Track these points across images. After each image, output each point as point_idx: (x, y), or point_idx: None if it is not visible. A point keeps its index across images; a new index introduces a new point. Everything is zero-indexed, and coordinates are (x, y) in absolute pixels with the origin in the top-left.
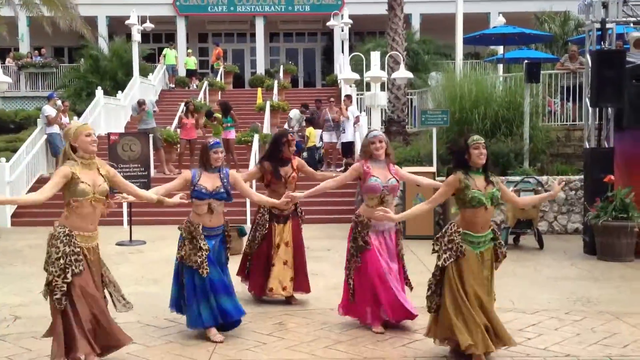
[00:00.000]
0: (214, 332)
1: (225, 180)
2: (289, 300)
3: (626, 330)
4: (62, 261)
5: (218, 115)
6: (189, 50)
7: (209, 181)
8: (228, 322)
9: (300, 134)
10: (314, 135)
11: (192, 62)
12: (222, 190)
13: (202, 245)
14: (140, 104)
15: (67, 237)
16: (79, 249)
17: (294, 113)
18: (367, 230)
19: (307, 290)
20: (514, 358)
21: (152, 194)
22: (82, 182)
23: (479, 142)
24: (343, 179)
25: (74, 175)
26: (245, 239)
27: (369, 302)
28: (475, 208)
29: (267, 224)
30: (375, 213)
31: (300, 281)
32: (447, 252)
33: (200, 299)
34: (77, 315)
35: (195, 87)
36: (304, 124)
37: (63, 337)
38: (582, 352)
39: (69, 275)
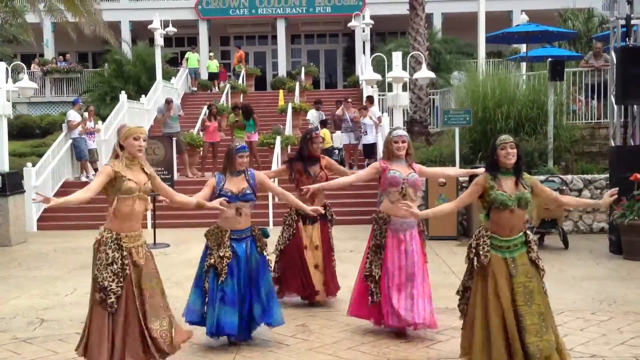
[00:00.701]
0: None
1: (251, 181)
2: (314, 301)
3: None
4: (115, 266)
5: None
6: (211, 54)
7: (234, 184)
8: (222, 333)
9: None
10: (329, 137)
11: (214, 66)
12: (248, 191)
13: (225, 253)
14: (168, 102)
15: (115, 242)
16: (126, 253)
17: (311, 114)
18: (386, 227)
19: (335, 294)
20: None
21: (191, 198)
22: (129, 179)
23: (506, 141)
24: (362, 176)
25: (117, 173)
26: (267, 241)
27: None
28: (500, 210)
29: (295, 224)
30: (399, 205)
31: (332, 286)
32: (474, 258)
33: (210, 305)
34: (116, 322)
35: (217, 89)
36: (322, 118)
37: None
38: (609, 352)
39: (122, 280)
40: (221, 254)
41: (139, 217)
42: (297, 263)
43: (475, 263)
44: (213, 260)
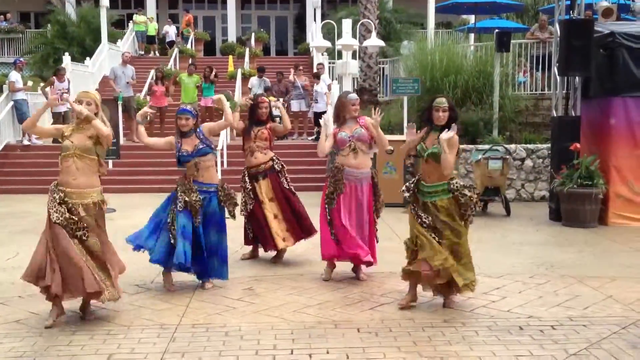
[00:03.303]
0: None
1: (201, 136)
2: (275, 258)
3: (588, 292)
4: (52, 208)
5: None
6: (150, 17)
7: (188, 144)
8: (181, 267)
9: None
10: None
11: (153, 28)
12: (201, 146)
13: (196, 197)
14: (125, 54)
15: (54, 187)
16: (59, 198)
17: (251, 82)
18: (341, 175)
19: (304, 237)
20: (478, 320)
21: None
22: (68, 139)
23: (439, 105)
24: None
25: (63, 133)
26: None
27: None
28: (419, 158)
29: (248, 184)
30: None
31: (299, 229)
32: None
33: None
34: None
35: (156, 54)
36: (267, 84)
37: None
38: (545, 313)
39: (52, 216)
40: (193, 198)
41: (75, 174)
42: (261, 219)
43: (405, 197)
44: (183, 203)
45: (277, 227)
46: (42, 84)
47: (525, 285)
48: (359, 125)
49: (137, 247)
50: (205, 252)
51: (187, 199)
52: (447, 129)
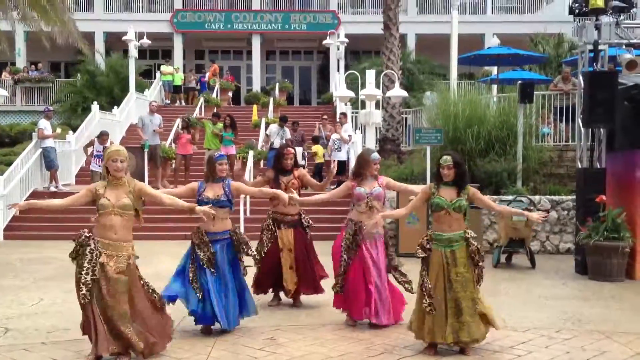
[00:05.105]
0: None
1: (227, 189)
2: (294, 303)
3: (616, 349)
4: (86, 263)
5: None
6: (177, 67)
7: (211, 191)
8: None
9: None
10: (321, 152)
11: (179, 78)
12: (222, 198)
13: (208, 252)
14: (152, 103)
15: (86, 239)
16: (97, 253)
17: (270, 129)
18: (360, 230)
19: (311, 292)
20: None
21: (179, 201)
22: (104, 197)
23: (444, 163)
24: (335, 193)
25: (97, 192)
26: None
27: (357, 296)
28: (437, 211)
29: (274, 229)
30: (366, 223)
31: (307, 285)
32: (419, 249)
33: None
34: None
35: (183, 103)
36: (287, 136)
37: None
38: None
39: (94, 274)
40: (207, 253)
41: (115, 229)
42: (275, 264)
43: (419, 253)
44: (204, 256)
45: (289, 276)
46: (76, 139)
47: (551, 340)
48: (378, 184)
49: (171, 298)
50: (232, 297)
51: (202, 254)
52: (458, 184)
